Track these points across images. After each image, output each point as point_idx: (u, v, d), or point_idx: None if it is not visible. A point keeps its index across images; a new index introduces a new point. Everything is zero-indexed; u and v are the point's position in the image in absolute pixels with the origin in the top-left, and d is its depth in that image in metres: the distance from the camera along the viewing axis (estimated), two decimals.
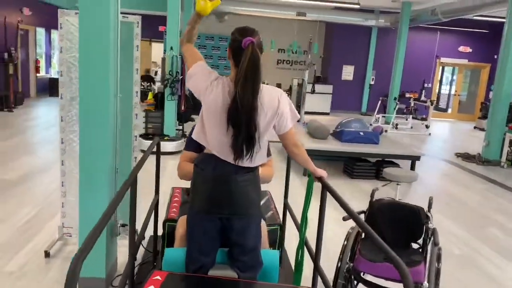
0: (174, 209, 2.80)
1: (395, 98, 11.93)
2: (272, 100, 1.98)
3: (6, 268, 3.10)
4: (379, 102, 12.61)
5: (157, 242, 3.06)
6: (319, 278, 2.25)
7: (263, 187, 2.75)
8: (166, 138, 6.96)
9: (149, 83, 12.28)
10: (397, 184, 4.88)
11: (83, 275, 2.88)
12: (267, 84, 2.11)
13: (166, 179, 5.14)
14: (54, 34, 13.39)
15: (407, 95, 12.55)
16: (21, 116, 9.42)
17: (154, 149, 2.88)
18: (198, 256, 2.12)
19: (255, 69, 1.86)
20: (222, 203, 2.02)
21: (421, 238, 2.87)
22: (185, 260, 2.16)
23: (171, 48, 7.04)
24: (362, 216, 3.04)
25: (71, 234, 3.48)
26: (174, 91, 7.22)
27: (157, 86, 10.88)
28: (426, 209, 2.90)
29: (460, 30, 14.29)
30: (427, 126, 11.49)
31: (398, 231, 2.88)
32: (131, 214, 2.17)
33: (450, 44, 14.87)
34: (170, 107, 7.34)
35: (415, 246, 2.95)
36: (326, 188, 2.20)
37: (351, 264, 2.75)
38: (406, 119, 11.93)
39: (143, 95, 11.55)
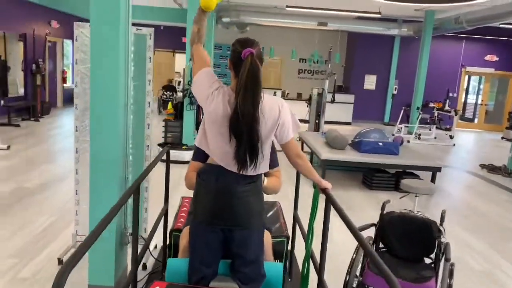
0: (182, 219, 2.81)
1: (417, 108, 11.71)
2: (273, 109, 1.98)
3: (20, 275, 3.16)
4: (402, 111, 12.41)
5: (166, 251, 3.07)
6: None
7: (272, 197, 2.74)
8: (184, 147, 7.02)
9: (171, 93, 12.46)
10: (416, 196, 4.78)
11: (91, 282, 2.94)
12: (273, 93, 2.10)
13: (183, 187, 5.16)
14: None
15: (431, 104, 12.32)
16: (46, 125, 9.69)
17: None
18: (199, 267, 2.11)
19: (254, 79, 1.86)
20: (224, 214, 2.01)
21: (434, 253, 2.79)
22: (188, 271, 2.16)
23: (191, 59, 7.12)
24: (373, 229, 2.99)
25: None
26: (193, 101, 7.30)
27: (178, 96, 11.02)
28: (438, 222, 2.82)
29: (486, 38, 13.96)
30: (451, 137, 11.22)
31: (409, 245, 2.81)
32: (134, 222, 2.19)
33: (476, 53, 14.54)
34: (189, 117, 7.42)
35: (428, 261, 2.87)
36: (329, 200, 2.16)
37: (360, 278, 2.69)
38: (430, 129, 11.69)
39: (165, 105, 11.75)
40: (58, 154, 7.10)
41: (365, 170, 6.55)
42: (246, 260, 2.10)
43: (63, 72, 13.05)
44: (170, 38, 14.51)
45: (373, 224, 2.93)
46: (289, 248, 2.85)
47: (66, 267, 1.23)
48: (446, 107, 11.62)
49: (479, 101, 15.53)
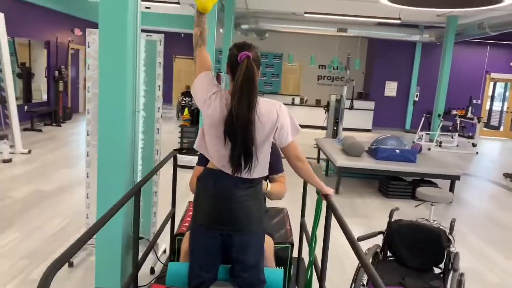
0: (186, 223, 2.81)
1: (439, 115, 11.49)
2: (270, 113, 1.96)
3: (30, 276, 3.22)
4: (423, 119, 12.19)
5: (171, 255, 3.07)
6: None
7: (281, 203, 2.71)
8: (198, 152, 7.04)
9: (190, 99, 12.57)
10: (431, 205, 4.69)
11: (98, 285, 2.96)
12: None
13: None
14: None
15: (453, 112, 12.05)
16: (67, 130, 9.91)
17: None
18: (199, 272, 2.11)
19: (250, 82, 1.86)
20: (223, 219, 2.00)
21: (443, 263, 2.71)
22: (188, 275, 2.16)
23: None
24: (381, 237, 2.93)
25: (94, 244, 3.56)
26: None
27: None
28: (448, 231, 2.74)
29: None
30: (473, 145, 10.95)
31: (418, 253, 2.74)
32: (134, 224, 2.21)
33: (501, 59, 14.19)
34: None
35: (438, 270, 2.79)
36: (330, 207, 2.12)
37: (366, 286, 2.64)
38: (452, 137, 11.44)
39: (183, 111, 11.85)
40: (77, 159, 7.23)
41: (381, 178, 6.44)
42: (245, 265, 2.08)
43: (85, 78, 13.31)
44: (190, 45, 14.61)
45: (381, 232, 2.87)
46: (294, 254, 2.82)
47: (52, 268, 1.24)
48: (469, 115, 11.35)
49: (505, 108, 15.12)
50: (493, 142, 13.33)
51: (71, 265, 3.42)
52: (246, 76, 1.85)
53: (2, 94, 7.20)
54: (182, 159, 6.55)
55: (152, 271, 3.41)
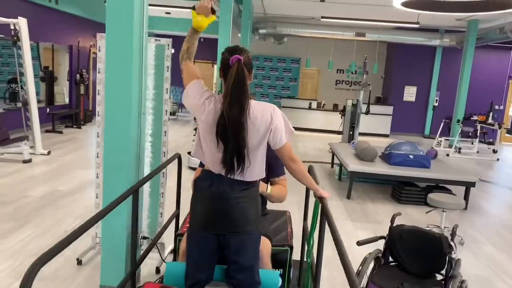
0: (188, 224, 2.86)
1: (458, 121, 11.28)
2: (264, 115, 1.99)
3: (40, 273, 3.31)
4: (442, 124, 12.00)
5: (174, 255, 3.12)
6: None
7: (282, 207, 2.73)
8: None
9: None
10: (443, 211, 4.62)
11: (103, 283, 3.03)
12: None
13: None
14: None
15: (474, 117, 11.81)
16: (87, 133, 10.14)
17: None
18: (194, 272, 2.15)
19: (240, 85, 1.90)
20: (218, 220, 2.03)
21: (444, 269, 2.67)
22: (184, 275, 2.20)
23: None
24: (383, 241, 2.92)
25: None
26: None
27: None
28: (449, 238, 2.71)
29: None
30: (494, 151, 10.71)
31: (419, 259, 2.72)
32: (133, 223, 2.26)
33: None
34: None
35: (440, 277, 2.76)
36: (324, 211, 2.12)
37: None
38: (472, 143, 11.22)
39: None
40: (94, 160, 7.38)
41: (394, 183, 6.37)
42: (240, 267, 2.11)
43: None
44: (210, 50, 14.81)
45: (382, 237, 2.85)
46: (296, 257, 2.84)
47: (36, 265, 1.29)
48: (490, 120, 11.11)
49: None
50: None
51: (79, 263, 3.51)
52: (237, 79, 1.89)
53: (24, 97, 7.43)
54: (197, 161, 6.62)
55: (157, 270, 3.47)
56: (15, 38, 6.97)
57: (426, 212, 5.10)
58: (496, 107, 12.95)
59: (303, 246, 3.15)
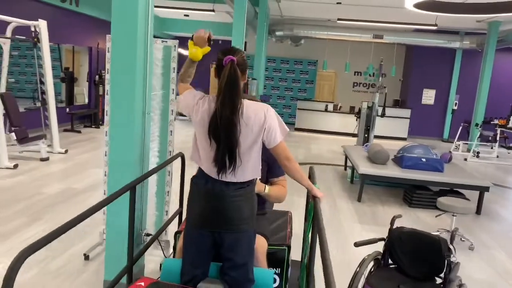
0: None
1: (477, 125, 11.07)
2: (258, 115, 2.02)
3: (48, 267, 3.42)
4: (460, 128, 11.79)
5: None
6: None
7: (285, 207, 2.76)
8: None
9: None
10: (453, 215, 4.56)
11: (107, 278, 3.11)
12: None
13: None
14: None
15: (495, 121, 11.55)
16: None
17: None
18: (190, 268, 2.19)
19: (233, 85, 1.93)
20: (213, 218, 2.07)
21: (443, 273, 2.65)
22: (180, 271, 2.24)
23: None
24: (382, 244, 2.91)
25: None
26: None
27: None
28: (449, 241, 2.68)
29: None
30: None
31: (418, 262, 2.70)
32: (130, 219, 2.32)
33: None
34: None
35: (440, 280, 2.73)
36: (315, 212, 2.12)
37: None
38: (492, 147, 10.99)
39: None
40: (103, 159, 7.55)
41: (406, 187, 6.30)
42: (234, 264, 2.14)
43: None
44: None
45: (382, 239, 2.84)
46: (293, 257, 2.85)
47: (21, 256, 1.35)
48: (510, 124, 10.86)
49: None
50: None
51: (87, 258, 3.60)
52: (229, 79, 1.93)
53: (43, 97, 7.64)
54: None
55: (161, 267, 3.52)
56: (35, 39, 7.18)
57: (436, 216, 5.04)
58: None
59: (303, 246, 3.16)
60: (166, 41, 3.53)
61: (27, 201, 4.95)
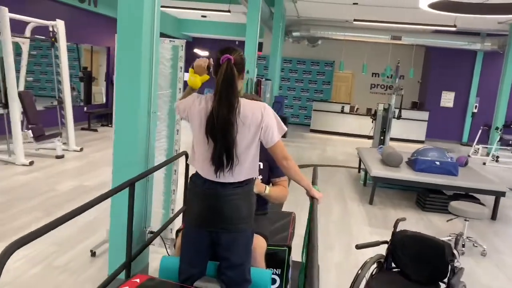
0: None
1: (497, 128, 10.82)
2: (255, 114, 2.01)
3: (55, 263, 3.47)
4: (480, 131, 11.55)
5: None
6: None
7: (291, 208, 2.74)
8: None
9: None
10: (465, 220, 4.47)
11: (110, 274, 3.13)
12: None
13: None
14: None
15: None
16: None
17: None
18: (187, 267, 2.19)
19: (229, 84, 1.93)
20: (211, 217, 2.07)
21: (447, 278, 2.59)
22: (178, 269, 2.25)
23: (247, 72, 7.33)
24: (385, 246, 2.86)
25: None
26: None
27: None
28: (453, 246, 2.62)
29: None
30: None
31: (420, 266, 2.65)
32: (129, 216, 2.33)
33: None
34: None
35: (443, 286, 2.67)
36: (311, 212, 2.10)
37: None
38: None
39: None
40: (111, 157, 7.65)
41: (419, 190, 6.20)
42: (231, 264, 2.14)
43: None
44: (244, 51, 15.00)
45: (384, 242, 2.80)
46: (295, 258, 2.83)
47: (10, 247, 1.37)
48: None
49: None
50: None
51: (93, 255, 3.65)
52: (225, 78, 1.93)
53: (60, 96, 7.79)
54: None
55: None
56: (53, 39, 7.33)
57: (447, 221, 4.94)
58: None
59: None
60: (174, 41, 3.55)
61: (41, 197, 5.05)
